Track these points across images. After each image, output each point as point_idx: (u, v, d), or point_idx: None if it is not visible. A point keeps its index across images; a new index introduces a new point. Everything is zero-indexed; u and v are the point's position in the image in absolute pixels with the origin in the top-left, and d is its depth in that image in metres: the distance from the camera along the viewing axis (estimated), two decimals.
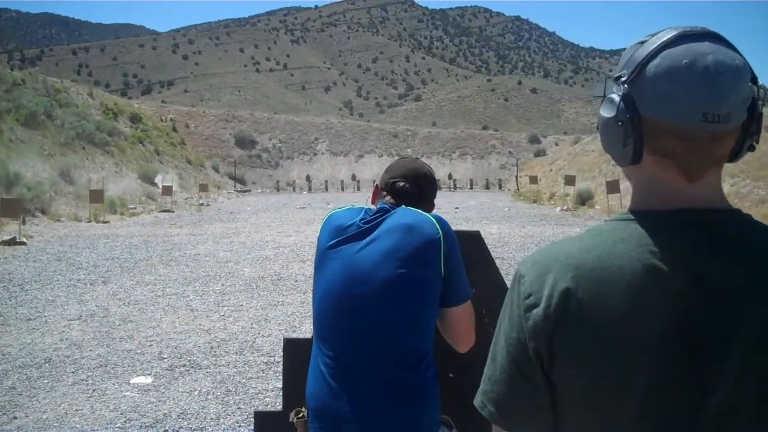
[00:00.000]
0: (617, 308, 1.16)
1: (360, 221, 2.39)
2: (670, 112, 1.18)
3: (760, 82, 1.25)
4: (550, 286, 1.20)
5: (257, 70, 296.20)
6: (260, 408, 5.84)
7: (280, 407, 5.66)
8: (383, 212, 2.41)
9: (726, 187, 23.56)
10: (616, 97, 1.24)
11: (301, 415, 2.36)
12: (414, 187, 2.51)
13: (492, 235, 19.52)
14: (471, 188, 63.81)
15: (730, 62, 1.18)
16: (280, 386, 6.39)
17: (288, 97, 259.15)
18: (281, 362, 7.17)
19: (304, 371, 2.50)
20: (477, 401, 1.31)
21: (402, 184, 2.51)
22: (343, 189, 62.94)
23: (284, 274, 12.89)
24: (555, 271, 1.21)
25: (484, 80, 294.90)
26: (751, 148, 1.26)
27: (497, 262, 12.16)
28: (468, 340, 2.44)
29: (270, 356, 7.51)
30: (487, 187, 64.99)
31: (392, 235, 2.32)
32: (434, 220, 2.35)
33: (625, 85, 1.24)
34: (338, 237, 2.37)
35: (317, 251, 2.45)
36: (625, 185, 33.60)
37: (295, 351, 2.92)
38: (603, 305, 1.16)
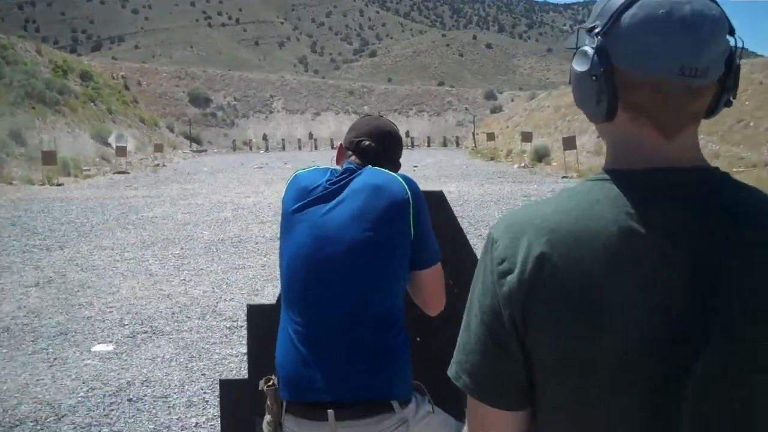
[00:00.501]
0: (593, 273, 1.12)
1: (326, 182, 2.34)
2: (646, 64, 1.13)
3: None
4: (524, 251, 1.15)
5: (209, 25, 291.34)
6: (225, 375, 5.84)
7: (245, 374, 5.70)
8: (349, 173, 2.36)
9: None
10: (589, 50, 1.18)
11: (271, 383, 2.33)
12: (379, 145, 2.47)
13: (451, 193, 19.51)
14: (428, 146, 63.79)
15: (707, 12, 1.13)
16: (245, 351, 6.38)
17: (241, 52, 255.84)
18: (245, 327, 7.18)
19: (269, 338, 2.46)
20: (451, 371, 1.27)
21: (367, 143, 2.46)
22: (300, 148, 62.56)
23: (244, 237, 12.81)
24: (529, 234, 1.16)
25: (439, 35, 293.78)
26: (728, 104, 1.21)
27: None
28: (439, 302, 2.43)
29: (233, 321, 7.49)
30: (444, 144, 65.10)
31: (359, 196, 2.28)
32: (402, 181, 2.32)
33: (599, 37, 1.17)
34: (304, 199, 2.33)
35: (282, 214, 2.39)
36: (581, 141, 33.88)
37: (259, 317, 2.89)
38: (578, 270, 1.12)
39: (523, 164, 33.20)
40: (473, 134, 61.52)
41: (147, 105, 63.75)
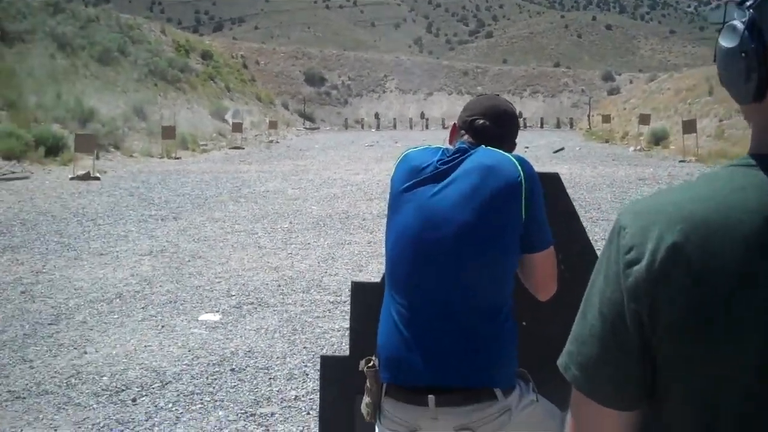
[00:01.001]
0: (733, 268, 0.98)
1: (437, 162, 2.26)
2: None
3: None
4: (655, 240, 1.04)
5: (327, 7, 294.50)
6: (326, 349, 5.82)
7: (346, 351, 5.66)
8: (462, 152, 2.27)
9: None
10: (739, 24, 1.06)
11: (371, 364, 2.25)
12: (494, 125, 2.37)
13: (562, 175, 19.09)
14: (541, 127, 62.74)
15: None
16: (346, 326, 6.34)
17: (357, 33, 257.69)
18: (348, 303, 7.14)
19: (372, 316, 2.42)
20: (561, 361, 1.17)
21: (481, 122, 2.36)
22: (411, 127, 62.53)
23: (352, 213, 12.84)
24: (661, 222, 1.04)
25: (558, 16, 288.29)
26: None
27: None
28: (550, 287, 2.34)
29: (337, 295, 7.47)
30: (558, 125, 63.88)
31: (471, 176, 2.19)
32: (516, 161, 2.22)
33: (751, 11, 1.05)
34: (414, 179, 2.24)
35: (391, 193, 2.33)
36: (702, 125, 32.64)
37: (363, 295, 2.81)
38: (716, 263, 0.99)
39: (639, 147, 32.23)
40: (588, 116, 60.22)
41: (264, 83, 64.93)
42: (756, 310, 0.97)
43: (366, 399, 2.26)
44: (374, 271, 8.33)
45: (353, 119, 66.66)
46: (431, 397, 2.07)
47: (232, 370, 5.53)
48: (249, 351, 5.92)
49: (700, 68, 61.01)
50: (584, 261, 2.68)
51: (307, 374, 5.41)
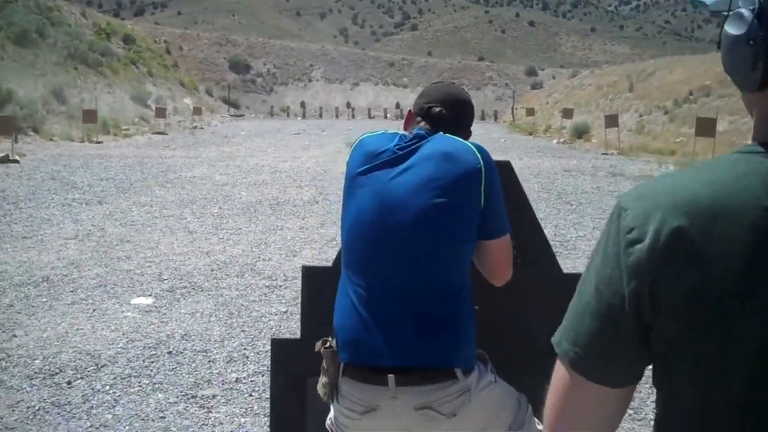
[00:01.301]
0: (738, 254, 0.98)
1: (394, 147, 2.24)
2: None
3: None
4: (658, 222, 1.03)
5: None
6: (265, 332, 5.76)
7: (285, 334, 5.60)
8: (419, 138, 2.26)
9: (725, 125, 23.36)
10: (747, 12, 1.05)
11: (328, 345, 2.22)
12: (451, 112, 2.36)
13: None
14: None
15: None
16: (284, 310, 6.33)
17: (283, 22, 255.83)
18: (284, 287, 7.08)
19: (322, 300, 2.41)
20: (554, 338, 1.16)
21: (438, 109, 2.35)
22: (337, 116, 62.45)
23: (282, 199, 12.72)
24: (664, 206, 1.03)
25: (482, 11, 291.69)
26: None
27: None
28: (505, 273, 2.35)
29: (272, 280, 7.39)
30: (482, 118, 64.51)
31: (429, 162, 2.18)
32: (475, 149, 2.22)
33: None
34: (370, 163, 2.23)
35: (346, 177, 2.29)
36: (623, 119, 33.43)
37: (314, 279, 2.79)
38: (721, 248, 0.98)
39: (562, 140, 32.86)
40: (512, 109, 61.12)
41: (187, 70, 63.94)
42: (757, 297, 0.97)
43: (322, 379, 2.23)
44: (308, 256, 8.28)
45: (279, 107, 66.19)
46: (391, 377, 2.06)
47: (170, 353, 5.41)
48: (185, 334, 5.80)
49: (621, 65, 62.51)
50: (536, 247, 2.73)
51: (247, 357, 5.33)
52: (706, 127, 18.88)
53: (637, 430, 4.22)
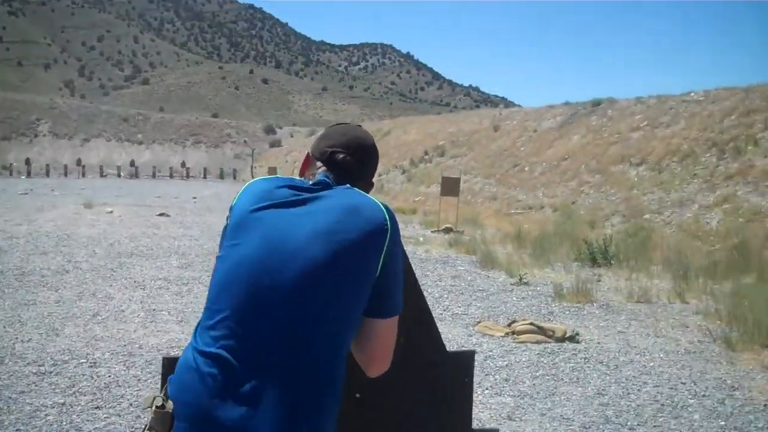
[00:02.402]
0: None
1: (293, 191, 1.93)
2: None
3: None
4: None
5: None
6: (46, 428, 5.02)
7: (68, 428, 4.93)
8: (323, 186, 1.97)
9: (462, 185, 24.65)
10: None
11: (161, 405, 1.84)
12: (356, 160, 2.07)
13: None
14: (204, 177, 62.49)
15: None
16: (61, 402, 5.56)
17: (2, 72, 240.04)
18: (54, 373, 6.27)
19: None
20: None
21: (343, 155, 2.05)
22: (66, 174, 59.02)
23: (27, 269, 11.53)
24: None
25: (216, 67, 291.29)
26: None
27: None
28: (385, 361, 1.99)
29: (39, 365, 6.49)
30: (221, 176, 64.01)
31: (332, 213, 1.87)
32: (383, 207, 1.92)
33: None
34: (264, 202, 1.90)
35: (232, 218, 1.94)
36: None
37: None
38: None
39: None
40: (251, 167, 61.13)
41: None
42: None
43: None
44: (72, 334, 7.47)
45: (0, 165, 61.57)
46: None
47: None
48: None
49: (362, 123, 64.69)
50: (423, 328, 2.47)
51: None
52: (450, 187, 19.72)
53: None
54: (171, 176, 60.58)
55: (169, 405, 1.83)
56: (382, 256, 1.87)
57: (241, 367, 1.77)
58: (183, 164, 65.76)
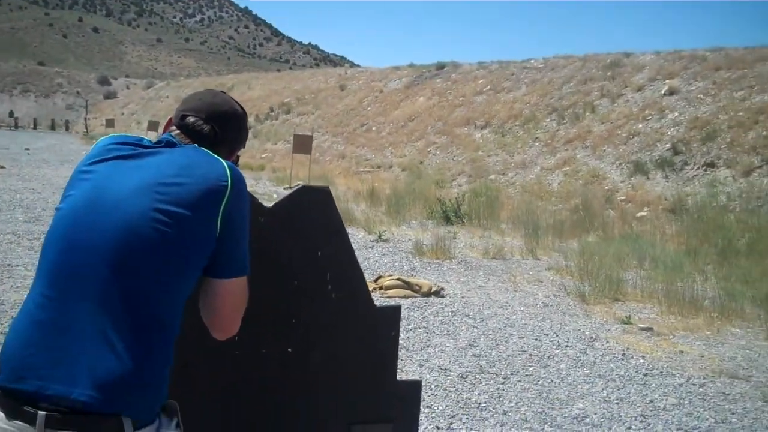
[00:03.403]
0: None
1: (132, 146, 1.89)
2: None
3: None
4: None
5: None
6: None
7: None
8: (165, 144, 1.93)
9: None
10: None
11: None
12: (209, 124, 2.02)
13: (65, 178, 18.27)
14: (35, 128, 59.27)
15: None
16: None
17: None
18: None
19: None
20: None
21: (194, 119, 2.01)
22: None
23: None
24: None
25: (42, 13, 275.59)
26: None
27: None
28: (233, 325, 1.94)
29: None
30: (52, 127, 60.95)
31: (165, 167, 1.82)
32: (226, 165, 1.87)
33: None
34: (99, 157, 1.86)
35: (72, 173, 1.90)
36: None
37: None
38: None
39: None
40: (85, 119, 58.63)
41: None
42: None
43: None
44: None
45: None
46: (41, 414, 1.63)
47: None
48: None
49: (198, 78, 63.09)
50: (351, 280, 2.51)
51: None
52: (302, 144, 19.48)
53: None
54: (10, 127, 57.04)
55: None
56: (220, 212, 1.82)
57: (63, 312, 1.72)
58: (11, 114, 62.17)
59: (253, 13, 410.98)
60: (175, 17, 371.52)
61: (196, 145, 1.95)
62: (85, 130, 53.84)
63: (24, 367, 1.67)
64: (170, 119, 2.08)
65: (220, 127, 2.03)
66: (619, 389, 5.42)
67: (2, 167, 20.29)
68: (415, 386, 2.69)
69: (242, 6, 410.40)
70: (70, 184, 1.86)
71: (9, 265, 8.12)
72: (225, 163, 1.87)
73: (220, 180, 1.82)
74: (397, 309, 2.64)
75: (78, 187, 1.81)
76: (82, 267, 1.73)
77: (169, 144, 1.92)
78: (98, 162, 1.84)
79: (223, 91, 2.21)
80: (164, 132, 2.06)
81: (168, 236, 1.74)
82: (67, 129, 59.70)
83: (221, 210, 1.80)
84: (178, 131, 2.00)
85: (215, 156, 1.90)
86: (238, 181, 1.86)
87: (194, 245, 1.78)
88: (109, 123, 44.83)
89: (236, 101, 2.17)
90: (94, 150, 1.90)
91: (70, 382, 1.65)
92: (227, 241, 1.83)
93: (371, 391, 2.52)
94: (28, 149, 30.98)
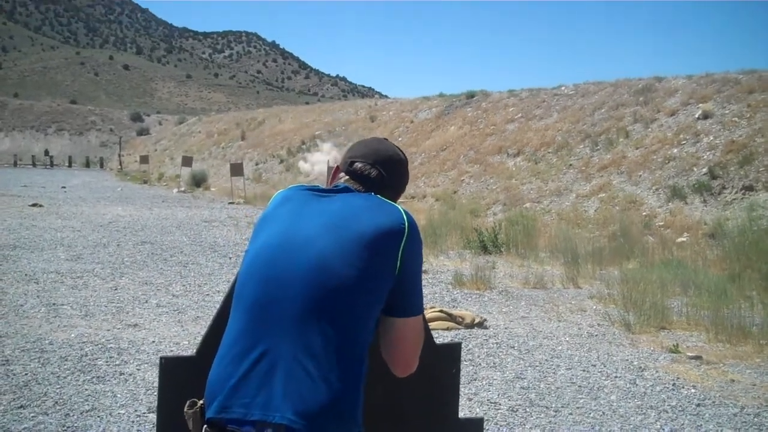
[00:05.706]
0: None
1: (315, 191, 2.06)
2: None
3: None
4: None
5: None
6: None
7: None
8: (343, 189, 2.07)
9: None
10: None
11: (196, 405, 1.90)
12: (376, 169, 2.13)
13: (123, 217, 18.51)
14: (69, 166, 60.15)
15: None
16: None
17: None
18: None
19: (184, 394, 2.02)
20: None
21: (362, 164, 2.13)
22: None
23: None
24: None
25: (73, 52, 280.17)
26: None
27: (145, 247, 11.49)
28: (413, 361, 2.04)
29: None
30: (87, 165, 61.77)
31: (347, 209, 1.96)
32: (401, 210, 1.98)
33: None
34: (284, 202, 2.05)
35: (259, 220, 2.08)
36: (249, 168, 33.93)
37: (175, 371, 2.32)
38: None
39: (182, 189, 32.46)
40: (119, 156, 59.31)
41: None
42: None
43: None
44: None
45: None
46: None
47: None
48: None
49: (229, 113, 63.61)
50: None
51: None
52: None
53: None
54: (34, 165, 57.71)
55: (201, 402, 1.89)
56: (400, 253, 1.92)
57: (267, 346, 1.83)
58: (46, 152, 63.11)
59: (281, 46, 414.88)
60: (204, 53, 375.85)
61: (369, 192, 2.08)
62: (119, 166, 54.46)
63: (228, 397, 1.80)
64: (337, 167, 2.23)
65: (387, 171, 2.16)
66: (672, 420, 5.35)
67: (41, 206, 20.59)
68: (477, 424, 2.68)
69: (270, 40, 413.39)
70: (257, 228, 2.03)
71: (54, 304, 8.21)
72: (400, 208, 1.99)
73: (399, 223, 1.93)
74: (457, 346, 2.65)
75: (267, 230, 1.98)
76: (279, 300, 1.86)
77: (345, 190, 2.05)
78: (282, 206, 2.02)
79: (386, 138, 2.33)
80: (333, 179, 2.21)
81: (358, 273, 1.85)
82: (101, 166, 60.48)
83: (400, 251, 1.91)
84: (347, 177, 2.14)
85: (391, 202, 2.03)
86: (413, 225, 1.98)
87: (379, 281, 1.89)
88: (143, 159, 45.12)
89: (399, 148, 2.30)
90: (277, 198, 2.09)
91: (273, 407, 1.75)
92: (406, 281, 1.94)
93: (433, 429, 2.52)
94: (64, 187, 31.41)
